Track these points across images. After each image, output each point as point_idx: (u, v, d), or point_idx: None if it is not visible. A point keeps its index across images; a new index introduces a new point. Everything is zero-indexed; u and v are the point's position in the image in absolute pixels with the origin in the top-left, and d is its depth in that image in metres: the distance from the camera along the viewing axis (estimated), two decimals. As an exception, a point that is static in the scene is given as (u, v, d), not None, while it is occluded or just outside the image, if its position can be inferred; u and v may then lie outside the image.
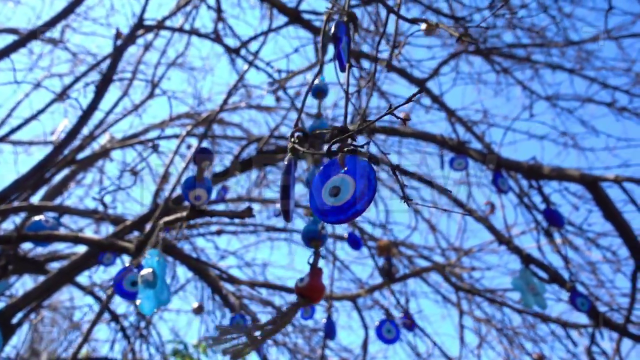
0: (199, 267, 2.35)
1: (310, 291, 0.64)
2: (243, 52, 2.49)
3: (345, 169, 0.52)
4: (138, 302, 0.88)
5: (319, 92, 1.05)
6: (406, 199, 0.51)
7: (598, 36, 2.03)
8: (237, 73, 2.75)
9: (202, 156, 0.98)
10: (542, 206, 1.92)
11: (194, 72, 3.29)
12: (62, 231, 1.43)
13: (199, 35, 2.44)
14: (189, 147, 3.41)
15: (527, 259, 1.99)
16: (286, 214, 0.61)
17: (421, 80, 2.37)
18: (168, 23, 2.60)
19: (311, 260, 0.68)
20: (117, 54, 1.77)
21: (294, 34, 4.44)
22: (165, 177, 2.54)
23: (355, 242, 1.86)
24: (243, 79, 2.60)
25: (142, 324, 2.73)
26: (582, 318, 2.13)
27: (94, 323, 1.58)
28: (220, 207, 2.77)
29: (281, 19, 2.55)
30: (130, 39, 1.91)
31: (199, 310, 2.65)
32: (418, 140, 2.10)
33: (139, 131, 3.55)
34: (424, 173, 2.59)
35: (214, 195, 2.71)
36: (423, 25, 2.28)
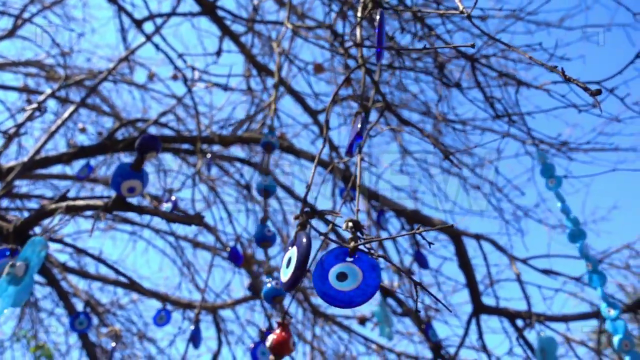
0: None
1: (277, 349, 0.67)
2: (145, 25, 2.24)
3: (352, 259, 0.56)
4: None
5: (268, 145, 1.05)
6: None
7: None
8: (126, 43, 2.46)
9: (149, 146, 0.86)
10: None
11: (70, 24, 2.84)
12: None
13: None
14: (28, 101, 2.90)
15: (385, 292, 2.17)
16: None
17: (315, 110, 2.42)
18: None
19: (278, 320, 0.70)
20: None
21: (197, 24, 4.18)
22: (10, 137, 2.10)
23: (236, 256, 1.81)
24: (134, 52, 2.34)
25: None
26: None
27: None
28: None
29: (190, 5, 2.36)
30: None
31: None
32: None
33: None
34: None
35: (75, 172, 2.35)
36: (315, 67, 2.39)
